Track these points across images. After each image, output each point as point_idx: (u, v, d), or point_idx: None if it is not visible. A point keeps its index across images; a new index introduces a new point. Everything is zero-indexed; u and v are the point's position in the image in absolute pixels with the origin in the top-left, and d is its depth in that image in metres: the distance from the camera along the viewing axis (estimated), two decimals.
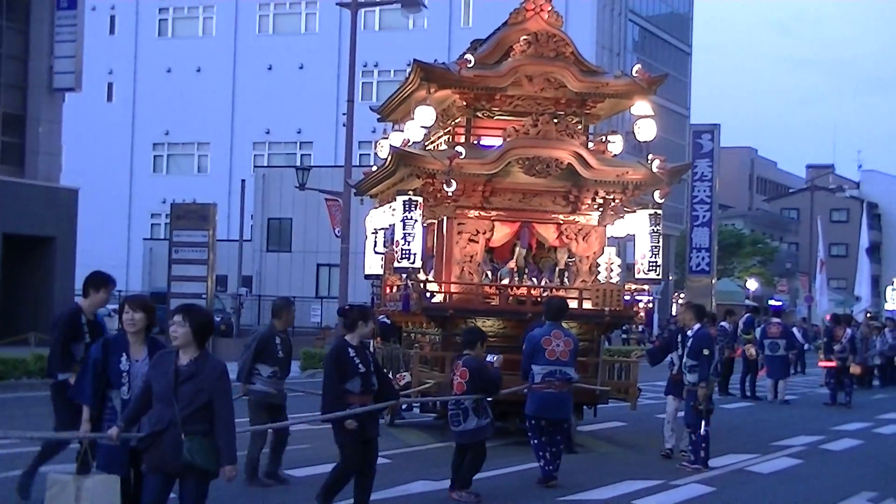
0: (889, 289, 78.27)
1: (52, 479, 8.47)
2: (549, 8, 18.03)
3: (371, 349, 11.44)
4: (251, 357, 12.91)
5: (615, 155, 18.68)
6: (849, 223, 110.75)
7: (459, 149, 17.23)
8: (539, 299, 17.16)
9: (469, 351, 12.56)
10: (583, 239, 18.08)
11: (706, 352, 15.14)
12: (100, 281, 10.87)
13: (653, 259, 18.08)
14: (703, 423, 15.14)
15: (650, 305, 18.47)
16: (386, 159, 18.28)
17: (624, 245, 20.27)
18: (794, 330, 32.60)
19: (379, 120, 22.05)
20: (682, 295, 52.52)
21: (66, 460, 12.84)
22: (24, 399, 20.34)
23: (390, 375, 14.65)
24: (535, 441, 13.81)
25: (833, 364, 27.50)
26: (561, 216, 18.06)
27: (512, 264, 18.31)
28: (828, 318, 29.40)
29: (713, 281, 61.39)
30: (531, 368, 13.72)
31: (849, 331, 27.96)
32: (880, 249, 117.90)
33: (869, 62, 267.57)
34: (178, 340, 8.07)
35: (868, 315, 37.68)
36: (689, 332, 15.45)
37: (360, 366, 10.93)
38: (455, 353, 16.89)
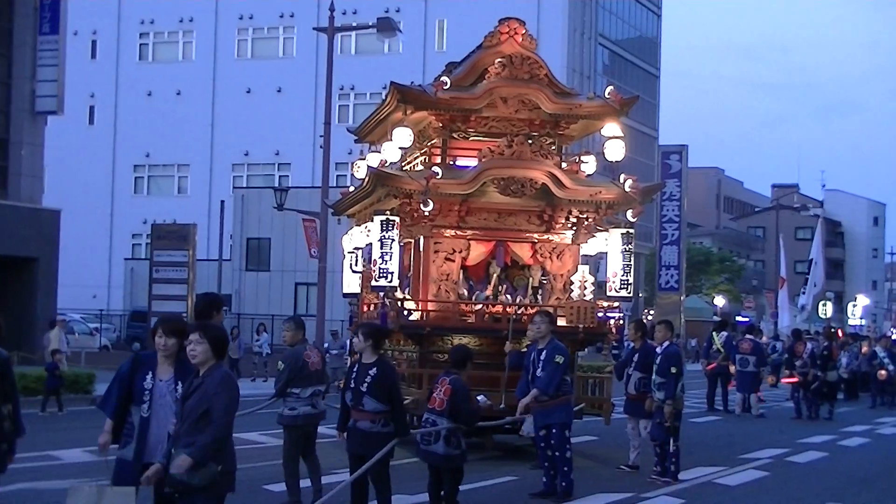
0: (850, 305, 79.10)
1: (73, 488, 8.52)
2: (523, 31, 18.25)
3: (376, 371, 11.19)
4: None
5: (588, 175, 18.92)
6: (813, 241, 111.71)
7: (436, 169, 17.46)
8: (515, 317, 17.24)
9: (457, 371, 12.05)
10: (557, 257, 18.29)
11: (674, 370, 15.36)
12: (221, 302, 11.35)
13: (624, 277, 18.35)
14: (671, 439, 15.48)
15: (621, 322, 18.76)
16: (363, 180, 18.46)
17: (596, 263, 20.55)
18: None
19: (356, 141, 22.31)
20: (651, 311, 52.93)
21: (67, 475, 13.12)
22: None
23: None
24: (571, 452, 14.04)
25: (795, 379, 28.00)
26: (535, 235, 18.30)
27: (489, 292, 18.55)
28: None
29: (682, 298, 61.81)
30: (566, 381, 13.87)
31: (809, 346, 28.46)
32: (843, 266, 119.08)
33: (831, 87, 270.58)
34: (198, 358, 7.99)
35: (833, 330, 38.08)
36: (659, 349, 15.74)
37: (352, 381, 11.24)
38: (432, 369, 17.23)
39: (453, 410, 11.74)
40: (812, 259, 53.90)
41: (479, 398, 12.68)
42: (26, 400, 23.98)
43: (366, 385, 11.16)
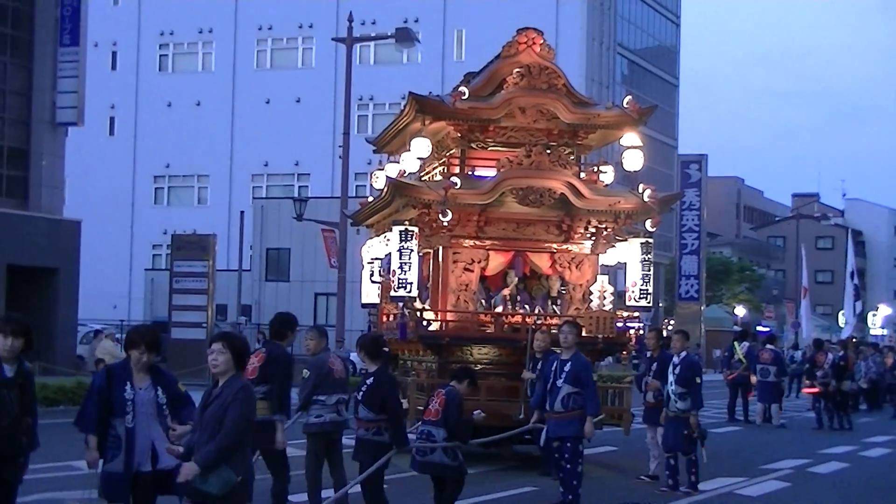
0: (870, 314, 78.73)
1: None
2: (542, 41, 18.32)
3: (372, 381, 11.38)
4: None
5: (607, 185, 18.93)
6: (834, 250, 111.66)
7: (454, 179, 17.49)
8: (533, 327, 17.19)
9: (455, 383, 12.13)
10: (576, 267, 18.29)
11: (698, 380, 15.33)
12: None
13: (644, 287, 18.30)
14: (701, 447, 15.44)
15: (640, 332, 18.68)
16: (382, 190, 18.50)
17: (615, 273, 20.52)
18: None
19: (374, 152, 22.33)
20: (671, 322, 52.85)
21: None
22: None
23: None
24: None
25: (817, 390, 27.87)
26: (554, 245, 18.30)
27: (506, 291, 18.57)
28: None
29: (702, 308, 61.64)
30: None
31: (830, 356, 28.32)
32: (864, 276, 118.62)
33: (851, 95, 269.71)
34: (219, 367, 7.96)
35: (853, 340, 37.93)
36: (676, 359, 15.57)
37: (357, 393, 11.46)
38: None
39: (445, 419, 11.75)
40: (852, 271, 53.75)
41: (475, 413, 12.60)
42: (46, 410, 24.14)
43: (361, 394, 11.36)
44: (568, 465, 13.43)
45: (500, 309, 18.38)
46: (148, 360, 8.84)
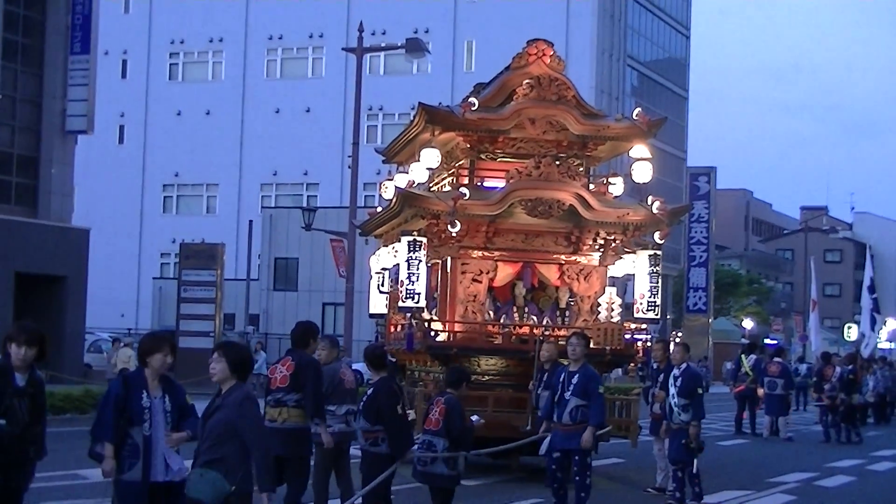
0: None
1: None
2: (552, 52, 18.32)
3: (371, 391, 11.49)
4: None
5: (616, 197, 18.90)
6: (842, 263, 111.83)
7: (463, 190, 17.47)
8: (541, 338, 17.15)
9: (452, 390, 11.88)
10: (584, 279, 18.26)
11: (700, 391, 15.28)
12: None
13: (652, 299, 18.29)
14: (694, 460, 15.37)
15: (648, 344, 18.64)
16: (391, 200, 18.49)
17: (623, 285, 20.50)
18: None
19: (384, 162, 22.36)
20: (679, 334, 52.91)
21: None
22: None
23: None
24: None
25: (824, 403, 27.82)
26: (563, 256, 18.26)
27: (515, 313, 18.54)
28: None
29: (710, 320, 61.72)
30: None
31: (838, 369, 28.27)
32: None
33: (860, 108, 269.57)
34: (217, 376, 8.13)
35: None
36: (676, 371, 15.39)
37: (360, 405, 11.52)
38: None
39: (448, 429, 11.60)
40: (870, 284, 53.70)
41: (472, 418, 12.47)
42: (53, 419, 24.14)
43: (361, 404, 11.47)
44: (577, 478, 13.32)
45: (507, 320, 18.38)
46: (171, 361, 8.84)
